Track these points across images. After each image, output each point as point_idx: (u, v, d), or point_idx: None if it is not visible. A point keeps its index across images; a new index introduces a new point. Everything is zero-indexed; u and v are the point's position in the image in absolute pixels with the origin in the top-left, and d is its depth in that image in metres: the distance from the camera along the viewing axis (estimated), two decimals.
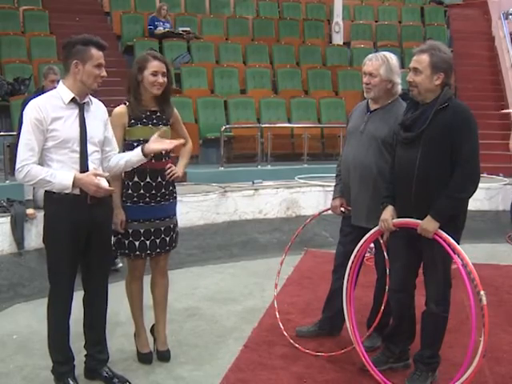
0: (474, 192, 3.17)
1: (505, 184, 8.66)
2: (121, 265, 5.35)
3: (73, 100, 3.11)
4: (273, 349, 3.89)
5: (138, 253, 3.55)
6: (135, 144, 3.43)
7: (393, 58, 3.72)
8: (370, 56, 3.75)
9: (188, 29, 11.17)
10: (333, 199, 3.99)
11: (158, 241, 3.58)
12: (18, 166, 3.05)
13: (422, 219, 3.16)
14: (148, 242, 3.55)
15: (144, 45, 10.15)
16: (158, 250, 3.61)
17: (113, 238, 3.55)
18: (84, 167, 3.14)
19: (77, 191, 3.10)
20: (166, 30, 10.87)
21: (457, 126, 3.09)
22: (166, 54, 10.32)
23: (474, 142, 3.13)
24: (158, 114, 3.53)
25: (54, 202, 3.13)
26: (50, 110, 3.04)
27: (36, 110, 3.02)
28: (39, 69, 7.89)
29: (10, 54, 9.49)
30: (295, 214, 8.16)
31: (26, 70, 8.95)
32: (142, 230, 3.52)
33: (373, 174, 3.65)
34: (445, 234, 3.12)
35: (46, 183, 3.05)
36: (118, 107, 3.48)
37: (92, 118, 3.20)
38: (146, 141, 3.35)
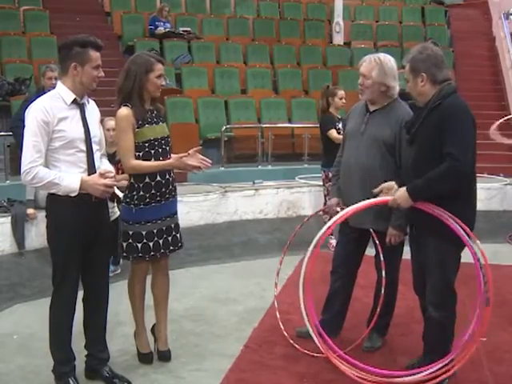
0: (455, 187, 3.06)
1: (505, 184, 8.66)
2: (119, 271, 5.38)
3: (74, 101, 3.12)
4: (273, 349, 3.89)
5: (152, 253, 3.54)
6: (146, 145, 3.44)
7: (388, 61, 3.65)
8: (366, 57, 3.72)
9: (188, 29, 11.17)
10: (329, 199, 3.97)
11: (170, 238, 3.59)
12: (25, 167, 3.02)
13: (418, 217, 3.16)
14: (161, 241, 3.55)
15: (144, 45, 10.16)
16: (172, 248, 3.62)
17: (123, 244, 3.55)
18: (91, 166, 3.17)
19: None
20: (167, 30, 10.87)
21: (445, 122, 3.06)
22: (166, 54, 10.34)
23: (463, 138, 3.03)
24: (155, 112, 3.54)
25: (60, 202, 3.12)
26: (55, 111, 3.04)
27: (43, 112, 3.01)
28: (40, 69, 7.87)
29: (11, 54, 9.49)
30: (296, 214, 8.16)
31: (26, 70, 8.94)
32: (155, 230, 3.52)
33: (375, 176, 3.62)
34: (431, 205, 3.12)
35: (53, 186, 3.04)
36: (121, 110, 3.41)
37: (91, 117, 3.22)
38: (155, 140, 3.44)
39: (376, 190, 3.34)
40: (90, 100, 3.28)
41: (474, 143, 3.11)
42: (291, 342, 3.93)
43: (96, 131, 3.24)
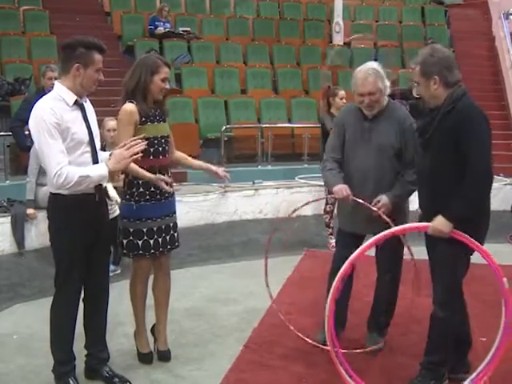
0: (487, 192, 3.08)
1: (505, 184, 8.67)
2: (119, 271, 5.38)
3: (75, 102, 3.11)
4: (273, 349, 3.89)
5: (152, 251, 3.56)
6: (146, 142, 3.44)
7: (377, 66, 3.65)
8: (362, 75, 3.59)
9: (188, 29, 11.17)
10: (336, 184, 3.67)
11: (168, 237, 3.61)
12: (55, 170, 2.95)
13: (432, 219, 3.14)
14: (160, 240, 3.57)
15: (144, 45, 10.17)
16: (169, 247, 3.63)
17: (123, 241, 3.56)
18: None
19: (89, 190, 3.11)
20: (167, 30, 10.87)
21: (460, 127, 3.04)
22: (166, 54, 10.33)
23: (481, 141, 3.04)
24: (158, 111, 3.56)
25: (62, 201, 3.11)
26: (61, 113, 3.02)
27: (52, 113, 2.98)
28: (39, 69, 7.87)
29: (11, 54, 9.48)
30: (295, 214, 8.15)
31: (26, 70, 8.94)
32: (155, 228, 3.54)
33: (386, 183, 3.63)
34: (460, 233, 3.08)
35: (85, 179, 3.00)
36: (127, 105, 3.43)
37: (90, 117, 3.21)
38: (155, 138, 3.48)
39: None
40: (86, 99, 3.26)
41: (491, 143, 3.10)
42: (298, 333, 3.89)
43: (96, 130, 3.25)
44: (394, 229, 3.28)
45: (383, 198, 3.57)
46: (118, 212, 4.55)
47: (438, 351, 3.27)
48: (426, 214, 3.28)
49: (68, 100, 3.08)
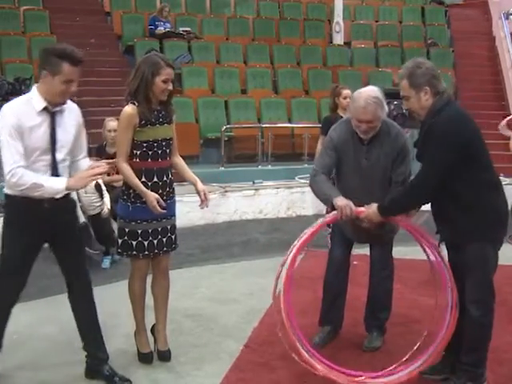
0: (415, 202, 3.24)
1: (505, 184, 8.66)
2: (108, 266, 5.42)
3: (45, 109, 3.07)
4: (273, 349, 3.88)
5: (146, 252, 3.56)
6: (144, 144, 3.44)
7: (380, 93, 3.57)
8: (363, 103, 3.48)
9: (188, 29, 11.17)
10: (335, 198, 3.47)
11: (164, 239, 3.60)
12: (9, 168, 2.95)
13: (455, 223, 3.16)
14: (155, 241, 3.57)
15: (144, 45, 10.15)
16: (165, 249, 3.63)
17: (118, 240, 3.56)
18: (54, 176, 3.12)
19: (41, 196, 3.07)
20: (167, 30, 10.87)
21: (436, 137, 3.04)
22: (166, 54, 10.28)
23: (439, 154, 3.02)
24: (162, 112, 3.54)
25: (14, 204, 3.11)
26: (25, 118, 3.00)
27: (13, 115, 2.98)
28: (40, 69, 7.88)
29: (11, 54, 9.49)
30: (295, 214, 8.17)
31: (26, 70, 8.92)
32: (150, 230, 3.54)
33: (385, 191, 3.61)
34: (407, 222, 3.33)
35: (38, 188, 2.99)
36: (127, 107, 3.42)
37: (63, 125, 3.15)
38: (155, 141, 3.46)
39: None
40: (67, 106, 3.18)
41: (464, 156, 3.07)
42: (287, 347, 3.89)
43: (66, 141, 3.16)
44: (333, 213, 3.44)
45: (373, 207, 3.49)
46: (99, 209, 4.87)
47: (475, 351, 3.20)
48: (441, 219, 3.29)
49: (36, 105, 3.05)
